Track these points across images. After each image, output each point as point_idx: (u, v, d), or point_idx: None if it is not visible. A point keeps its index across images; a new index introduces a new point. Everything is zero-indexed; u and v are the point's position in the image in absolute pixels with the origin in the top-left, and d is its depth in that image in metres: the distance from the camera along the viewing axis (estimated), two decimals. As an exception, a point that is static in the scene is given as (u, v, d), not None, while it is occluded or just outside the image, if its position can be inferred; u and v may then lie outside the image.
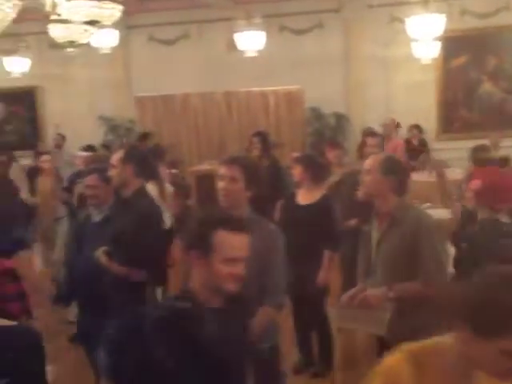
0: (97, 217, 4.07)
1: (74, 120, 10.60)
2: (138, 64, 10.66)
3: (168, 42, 10.52)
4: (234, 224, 2.05)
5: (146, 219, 3.67)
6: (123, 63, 10.71)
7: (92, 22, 4.61)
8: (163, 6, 9.95)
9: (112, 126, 10.51)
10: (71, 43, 5.93)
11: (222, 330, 1.95)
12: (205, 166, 9.89)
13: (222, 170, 2.90)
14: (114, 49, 8.97)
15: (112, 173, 3.88)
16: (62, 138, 10.15)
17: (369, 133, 6.62)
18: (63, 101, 10.88)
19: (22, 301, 2.86)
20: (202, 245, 2.01)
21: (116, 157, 3.92)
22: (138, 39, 10.60)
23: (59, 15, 5.25)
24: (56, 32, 5.37)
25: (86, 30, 5.19)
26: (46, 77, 10.68)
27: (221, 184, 2.88)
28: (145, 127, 10.05)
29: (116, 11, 4.43)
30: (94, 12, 4.39)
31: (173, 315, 1.86)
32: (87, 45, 6.68)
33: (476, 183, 3.83)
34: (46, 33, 9.09)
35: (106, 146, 9.62)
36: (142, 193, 3.84)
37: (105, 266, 3.62)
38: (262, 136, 7.06)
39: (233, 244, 2.02)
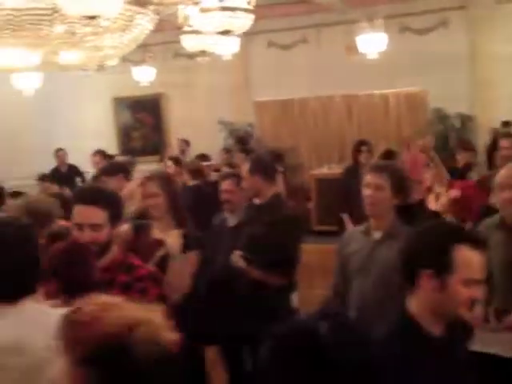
0: (232, 221, 4.19)
1: (195, 125, 10.96)
2: (257, 69, 10.84)
3: (286, 47, 10.62)
4: (476, 240, 1.84)
5: (283, 225, 3.73)
6: (243, 69, 10.92)
7: (224, 32, 4.72)
8: (282, 12, 10.05)
9: (232, 131, 10.75)
10: (202, 52, 6.14)
11: (445, 363, 1.79)
12: (324, 170, 9.89)
13: (368, 178, 2.88)
14: (234, 55, 9.18)
15: (244, 185, 4.00)
16: (186, 143, 10.52)
17: (505, 134, 6.29)
18: (185, 107, 11.27)
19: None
20: (437, 263, 1.79)
21: (244, 168, 4.03)
22: (257, 45, 10.78)
23: (191, 26, 5.46)
24: (188, 42, 5.56)
25: (217, 40, 5.34)
26: (169, 84, 11.10)
27: (367, 192, 2.87)
28: (264, 131, 10.20)
29: (248, 20, 4.51)
30: (226, 22, 4.49)
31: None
32: (211, 52, 6.88)
33: None
34: (170, 43, 9.56)
35: (227, 150, 9.85)
36: (277, 199, 3.91)
37: (243, 269, 3.71)
38: (370, 145, 6.98)
39: (475, 263, 1.80)
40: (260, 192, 3.91)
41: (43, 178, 8.02)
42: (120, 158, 9.26)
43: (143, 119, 11.96)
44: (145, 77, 10.25)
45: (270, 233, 3.69)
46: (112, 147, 11.47)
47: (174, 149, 10.95)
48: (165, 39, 8.42)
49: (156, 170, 4.82)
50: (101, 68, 5.97)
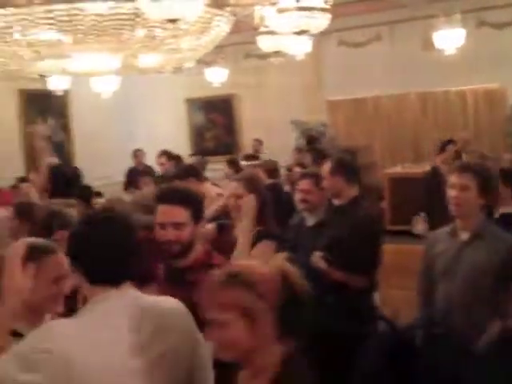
0: (310, 221, 4.16)
1: (267, 125, 11.00)
2: (329, 68, 10.77)
3: (359, 45, 10.50)
4: None
5: (364, 227, 3.69)
6: (315, 68, 10.88)
7: (300, 32, 4.72)
8: (354, 10, 9.94)
9: (304, 130, 10.72)
10: (276, 53, 6.17)
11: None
12: (398, 169, 9.72)
13: (453, 178, 2.81)
14: (307, 54, 9.15)
15: (324, 184, 3.96)
16: (260, 143, 10.58)
17: None
18: (257, 107, 11.33)
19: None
20: None
21: (325, 168, 3.98)
22: (329, 44, 10.70)
23: (267, 26, 5.48)
24: (264, 43, 5.60)
25: (292, 40, 5.34)
26: (241, 85, 11.18)
27: (452, 193, 2.80)
28: (337, 130, 10.13)
29: (325, 20, 4.49)
30: (303, 22, 4.48)
31: None
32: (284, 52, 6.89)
33: None
34: (242, 44, 9.63)
35: (299, 150, 9.83)
36: (357, 201, 3.86)
37: (323, 270, 3.69)
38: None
39: None
40: (340, 193, 3.88)
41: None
42: (189, 160, 9.42)
43: (215, 120, 12.10)
44: (217, 78, 10.38)
45: (351, 234, 3.66)
46: (185, 148, 11.69)
47: (246, 149, 11.04)
48: (236, 40, 8.47)
49: (245, 171, 4.84)
50: (177, 70, 6.09)
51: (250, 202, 3.23)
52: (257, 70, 10.70)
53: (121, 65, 5.20)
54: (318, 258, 3.73)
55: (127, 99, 10.98)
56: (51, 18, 3.99)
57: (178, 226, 2.58)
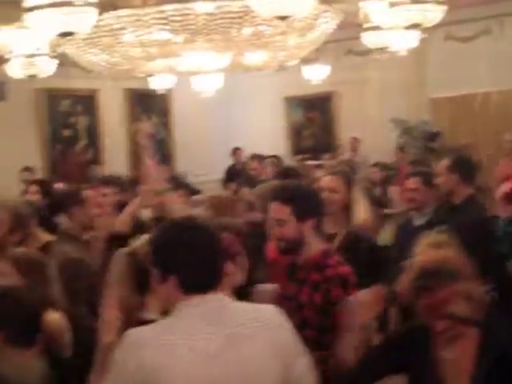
0: (418, 220, 4.05)
1: (367, 123, 10.82)
2: (434, 64, 10.44)
3: (466, 40, 10.11)
4: None
5: (479, 228, 3.54)
6: (418, 64, 10.57)
7: (411, 26, 4.59)
8: (462, 3, 9.57)
9: (405, 129, 10.46)
10: (380, 49, 6.04)
11: None
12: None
13: None
14: (409, 50, 8.92)
15: (438, 181, 3.84)
16: (357, 141, 10.44)
17: None
18: (356, 105, 11.17)
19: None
20: None
21: (442, 165, 3.86)
22: (435, 39, 10.34)
23: (372, 22, 5.38)
24: (369, 39, 5.51)
25: (400, 36, 5.22)
26: (340, 82, 11.05)
27: None
28: (440, 128, 9.82)
29: (439, 13, 4.35)
30: (415, 16, 4.36)
31: None
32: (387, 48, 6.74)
33: None
34: (342, 40, 9.52)
35: (401, 149, 9.62)
36: (472, 201, 3.72)
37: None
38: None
39: None
40: (454, 191, 3.74)
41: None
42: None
43: (314, 118, 12.05)
44: (316, 75, 10.31)
45: (465, 235, 3.51)
46: (283, 147, 11.72)
47: (344, 147, 10.92)
48: (337, 37, 8.37)
49: (342, 167, 4.79)
50: (281, 68, 6.11)
51: None
52: (357, 66, 10.54)
53: (227, 63, 5.29)
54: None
55: (226, 97, 11.12)
56: (164, 19, 4.11)
57: (280, 222, 2.61)
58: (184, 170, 9.97)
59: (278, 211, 2.62)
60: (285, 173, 5.40)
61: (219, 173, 10.27)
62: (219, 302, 1.87)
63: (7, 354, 2.29)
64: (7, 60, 5.36)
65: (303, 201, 2.64)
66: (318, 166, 8.63)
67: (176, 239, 1.88)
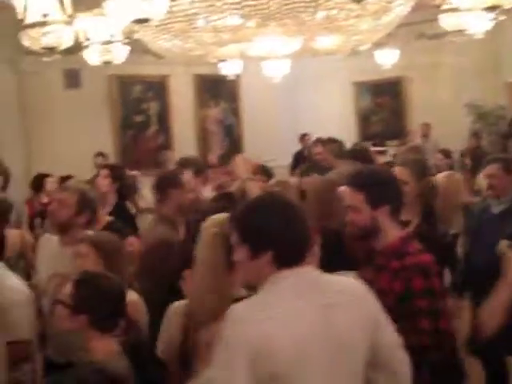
0: (496, 208, 3.93)
1: (439, 109, 10.53)
2: (510, 47, 10.05)
3: (546, 22, 9.67)
4: None
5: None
6: (493, 47, 10.21)
7: (490, 8, 4.43)
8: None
9: (480, 114, 10.13)
10: (456, 32, 5.86)
11: None
12: None
13: None
14: (484, 33, 8.62)
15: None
16: (428, 127, 10.20)
17: None
18: (428, 90, 10.90)
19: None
20: None
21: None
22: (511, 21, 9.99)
23: (450, 4, 5.22)
24: (446, 21, 5.35)
25: (477, 18, 5.04)
26: (412, 67, 10.80)
27: None
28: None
29: (519, -7, 4.17)
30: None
31: None
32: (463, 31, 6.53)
33: None
34: (414, 24, 9.28)
35: (476, 134, 9.34)
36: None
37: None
38: None
39: None
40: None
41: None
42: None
43: (383, 103, 11.84)
44: (387, 60, 10.11)
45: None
46: (351, 132, 11.58)
47: (415, 133, 10.69)
48: (409, 20, 8.16)
49: (414, 156, 4.67)
50: (352, 53, 6.02)
51: None
52: (429, 50, 10.27)
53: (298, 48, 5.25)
54: (505, 248, 3.50)
55: (295, 83, 11.07)
56: (237, 3, 4.11)
57: (353, 209, 2.58)
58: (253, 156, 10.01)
59: (351, 198, 2.58)
60: (353, 156, 5.31)
61: (288, 158, 10.26)
62: (311, 274, 1.92)
63: (91, 337, 2.37)
64: (83, 47, 5.49)
65: (377, 187, 2.58)
66: (382, 152, 8.49)
67: (271, 214, 1.90)
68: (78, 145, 8.83)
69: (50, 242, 3.64)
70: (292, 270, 1.88)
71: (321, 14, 4.37)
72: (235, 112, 11.31)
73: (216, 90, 10.91)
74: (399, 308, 2.42)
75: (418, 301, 2.44)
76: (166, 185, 4.11)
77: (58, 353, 3.14)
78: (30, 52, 7.94)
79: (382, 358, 2.00)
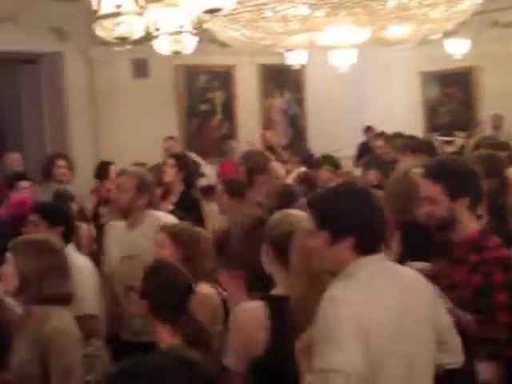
0: None
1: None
2: None
3: None
4: None
5: None
6: None
7: None
8: None
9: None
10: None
11: None
12: None
13: None
14: None
15: None
16: (500, 118, 9.87)
17: None
18: (501, 80, 10.51)
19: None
20: None
21: None
22: None
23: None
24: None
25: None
26: (483, 56, 10.46)
27: None
28: None
29: None
30: None
31: None
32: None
33: None
34: (487, 12, 8.98)
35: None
36: None
37: None
38: None
39: None
40: None
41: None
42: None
43: (452, 94, 11.53)
44: (457, 49, 9.84)
45: None
46: (417, 123, 11.35)
47: (484, 124, 10.36)
48: (483, 8, 7.91)
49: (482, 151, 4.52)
50: (423, 42, 5.87)
51: None
52: (503, 39, 9.91)
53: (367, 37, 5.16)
54: None
55: (360, 73, 10.90)
56: (308, -7, 4.08)
57: (430, 200, 2.53)
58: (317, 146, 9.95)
59: (429, 189, 2.54)
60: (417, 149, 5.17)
61: (352, 149, 10.15)
62: (386, 262, 1.99)
63: (155, 324, 2.42)
64: (151, 37, 5.57)
65: (456, 179, 2.52)
66: (449, 143, 8.27)
67: (353, 200, 1.92)
68: (144, 133, 8.98)
69: (115, 227, 3.76)
70: (371, 257, 1.91)
71: (392, 3, 4.27)
72: (300, 102, 11.24)
73: (281, 80, 10.88)
74: (476, 301, 2.38)
75: (498, 295, 2.40)
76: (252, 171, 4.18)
77: (132, 334, 3.25)
78: (100, 42, 8.17)
79: (443, 338, 2.06)
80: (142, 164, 6.48)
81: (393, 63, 11.30)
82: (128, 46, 4.72)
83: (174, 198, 5.15)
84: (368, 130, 10.29)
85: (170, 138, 8.26)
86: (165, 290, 2.42)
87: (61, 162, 5.90)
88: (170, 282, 2.45)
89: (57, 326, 2.49)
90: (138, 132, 9.00)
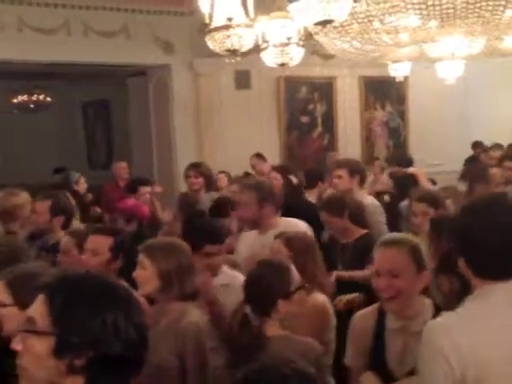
0: None
1: None
2: None
3: None
4: None
5: None
6: None
7: None
8: None
9: None
10: None
11: None
12: None
13: None
14: None
15: None
16: None
17: None
18: None
19: None
20: None
21: None
22: None
23: None
24: None
25: None
26: None
27: None
28: None
29: None
30: None
31: None
32: None
33: None
34: None
35: None
36: None
37: None
38: None
39: None
40: None
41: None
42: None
43: None
44: None
45: None
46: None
47: None
48: None
49: None
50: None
51: None
52: None
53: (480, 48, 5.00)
54: None
55: (466, 86, 10.57)
56: (422, 3, 3.99)
57: None
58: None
59: None
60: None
61: (456, 164, 9.82)
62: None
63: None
64: (254, 49, 5.63)
65: None
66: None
67: (475, 222, 1.83)
68: (246, 144, 9.12)
69: (248, 235, 3.94)
70: (500, 284, 1.79)
71: (510, 12, 4.11)
72: (401, 114, 11.04)
73: (382, 92, 10.73)
74: None
75: None
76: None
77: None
78: (205, 54, 8.38)
79: None
80: (249, 174, 6.61)
81: (502, 76, 10.86)
82: (238, 59, 4.79)
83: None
84: (476, 145, 9.94)
85: (257, 155, 8.31)
86: (263, 291, 2.52)
87: (190, 172, 6.02)
88: (269, 284, 2.52)
89: (193, 321, 2.63)
90: (240, 143, 9.14)
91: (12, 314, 2.20)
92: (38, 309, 1.38)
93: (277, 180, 5.84)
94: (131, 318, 1.38)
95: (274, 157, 9.07)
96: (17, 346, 1.38)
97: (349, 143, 10.29)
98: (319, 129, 10.20)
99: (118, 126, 12.07)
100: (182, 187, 8.32)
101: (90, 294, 1.37)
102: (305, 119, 10.09)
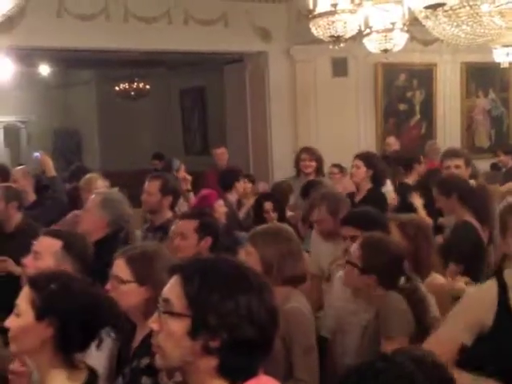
0: None
1: None
2: None
3: None
4: None
5: None
6: None
7: None
8: None
9: None
10: None
11: None
12: None
13: None
14: None
15: None
16: None
17: None
18: None
19: None
20: None
21: None
22: None
23: None
24: None
25: None
26: None
27: None
28: None
29: None
30: None
31: None
32: None
33: None
34: None
35: None
36: None
37: None
38: None
39: None
40: None
41: None
42: None
43: None
44: None
45: None
46: None
47: None
48: None
49: None
50: None
51: None
52: None
53: None
54: None
55: None
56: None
57: None
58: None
59: None
60: None
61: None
62: None
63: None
64: (356, 36, 5.53)
65: None
66: None
67: None
68: (342, 132, 9.03)
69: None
70: None
71: None
72: (505, 102, 10.55)
73: (485, 79, 10.29)
74: None
75: None
76: None
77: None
78: (302, 41, 8.33)
79: None
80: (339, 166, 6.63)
81: None
82: (342, 45, 4.73)
83: (360, 195, 5.26)
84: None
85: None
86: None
87: (304, 155, 6.10)
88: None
89: (296, 306, 2.70)
90: (336, 130, 9.06)
91: (131, 290, 2.28)
92: (174, 290, 1.42)
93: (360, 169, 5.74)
94: (264, 302, 1.39)
95: (369, 145, 8.91)
96: (153, 325, 1.43)
97: (447, 132, 9.97)
98: (417, 117, 9.94)
99: (214, 113, 12.24)
100: (277, 174, 8.36)
101: (224, 277, 1.40)
102: (402, 107, 9.85)
